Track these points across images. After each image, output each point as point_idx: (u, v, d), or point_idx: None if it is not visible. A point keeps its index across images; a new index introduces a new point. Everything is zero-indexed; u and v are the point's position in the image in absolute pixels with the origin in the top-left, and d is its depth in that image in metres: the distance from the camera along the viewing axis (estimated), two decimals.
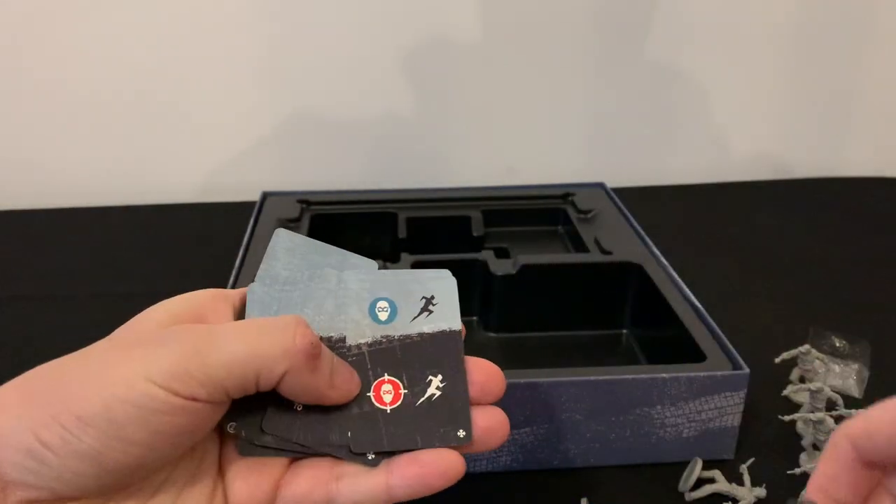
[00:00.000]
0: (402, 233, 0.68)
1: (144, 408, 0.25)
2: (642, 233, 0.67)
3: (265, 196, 0.75)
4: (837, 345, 0.58)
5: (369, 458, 0.30)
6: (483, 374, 0.31)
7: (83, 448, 0.25)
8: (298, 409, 0.30)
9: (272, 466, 0.29)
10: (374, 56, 0.87)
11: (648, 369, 0.48)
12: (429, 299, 0.32)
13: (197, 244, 0.79)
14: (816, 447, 0.49)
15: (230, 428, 0.29)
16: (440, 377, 0.31)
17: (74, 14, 0.82)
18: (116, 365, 0.26)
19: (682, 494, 0.46)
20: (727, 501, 0.46)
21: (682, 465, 0.48)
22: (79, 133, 0.87)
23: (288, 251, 0.32)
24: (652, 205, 0.82)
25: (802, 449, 0.50)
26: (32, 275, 0.74)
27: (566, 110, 0.92)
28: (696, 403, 0.47)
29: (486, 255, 0.62)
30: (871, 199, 0.89)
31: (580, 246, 0.67)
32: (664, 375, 0.46)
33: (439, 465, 0.29)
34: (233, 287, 0.50)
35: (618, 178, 0.83)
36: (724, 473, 0.47)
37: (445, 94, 0.90)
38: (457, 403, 0.30)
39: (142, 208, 0.87)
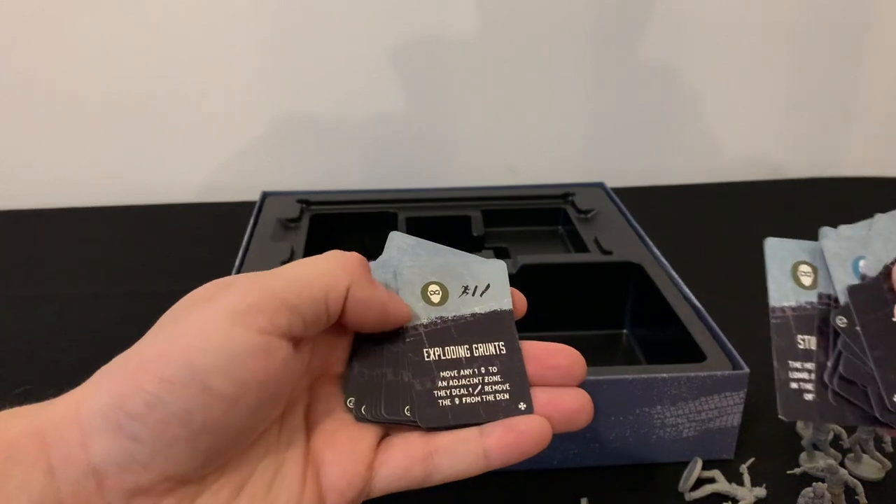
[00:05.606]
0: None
1: (225, 352, 0.25)
2: (642, 233, 0.67)
3: (265, 196, 0.75)
4: None
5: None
6: (568, 358, 0.32)
7: (170, 409, 0.24)
8: (406, 378, 0.31)
9: (364, 447, 0.30)
10: (374, 56, 0.87)
11: (648, 369, 0.48)
12: (478, 283, 0.34)
13: (197, 244, 0.79)
14: (816, 447, 0.49)
15: (349, 402, 0.31)
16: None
17: (74, 15, 0.82)
18: (191, 319, 0.26)
19: (682, 494, 0.46)
20: (727, 501, 0.46)
21: (682, 465, 0.48)
22: (79, 133, 0.87)
23: (400, 250, 0.34)
24: (652, 205, 0.81)
25: (802, 449, 0.50)
26: (32, 275, 0.74)
27: (566, 110, 0.92)
28: (696, 403, 0.47)
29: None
30: (868, 198, 0.89)
31: (580, 246, 0.67)
32: (664, 375, 0.46)
33: (534, 431, 0.30)
34: None
35: (618, 178, 0.83)
36: (724, 473, 0.47)
37: (446, 94, 0.90)
38: (515, 377, 0.31)
39: (142, 208, 0.87)
